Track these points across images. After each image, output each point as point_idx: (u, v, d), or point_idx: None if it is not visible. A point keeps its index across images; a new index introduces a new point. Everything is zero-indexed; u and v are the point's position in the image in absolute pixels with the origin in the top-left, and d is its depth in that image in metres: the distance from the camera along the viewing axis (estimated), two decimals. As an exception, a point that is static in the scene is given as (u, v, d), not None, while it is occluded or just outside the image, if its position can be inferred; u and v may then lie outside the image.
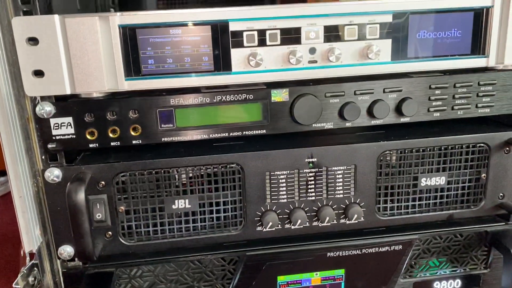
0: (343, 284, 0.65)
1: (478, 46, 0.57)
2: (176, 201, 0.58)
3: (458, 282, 0.68)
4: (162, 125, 0.55)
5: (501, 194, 0.64)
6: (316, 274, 0.64)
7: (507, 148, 0.62)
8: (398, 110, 0.59)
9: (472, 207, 0.65)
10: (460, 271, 0.68)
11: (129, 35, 0.51)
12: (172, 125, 0.55)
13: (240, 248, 0.61)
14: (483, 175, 0.63)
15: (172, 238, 0.59)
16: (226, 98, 0.56)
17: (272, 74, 0.55)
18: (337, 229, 0.62)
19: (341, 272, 0.65)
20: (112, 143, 0.55)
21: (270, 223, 0.59)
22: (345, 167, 0.60)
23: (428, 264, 0.67)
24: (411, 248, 0.65)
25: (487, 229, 0.66)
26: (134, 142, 0.55)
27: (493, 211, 0.65)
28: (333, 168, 0.60)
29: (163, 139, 0.56)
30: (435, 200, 0.64)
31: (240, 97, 0.56)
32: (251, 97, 0.56)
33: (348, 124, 0.59)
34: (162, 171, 0.56)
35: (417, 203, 0.63)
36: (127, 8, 1.02)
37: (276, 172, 0.59)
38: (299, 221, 0.60)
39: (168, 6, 1.04)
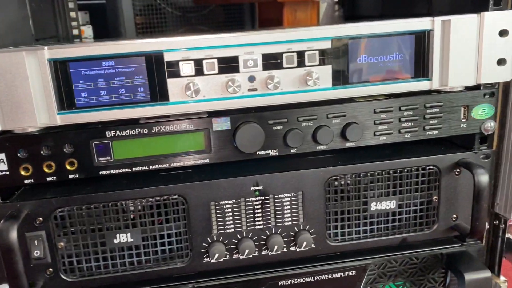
0: None
1: (420, 69, 0.57)
2: (118, 236, 0.56)
3: (416, 305, 0.67)
4: (99, 158, 0.54)
5: (454, 216, 0.64)
6: None
7: (458, 170, 0.62)
8: (343, 135, 0.58)
9: (425, 230, 0.64)
10: (418, 294, 0.67)
11: (60, 68, 0.50)
12: (109, 158, 0.54)
13: (188, 280, 0.60)
14: (435, 197, 0.62)
15: (116, 272, 0.57)
16: (165, 128, 0.54)
17: (211, 104, 0.54)
18: (287, 257, 0.61)
19: None
20: (48, 178, 0.53)
21: (217, 255, 0.58)
22: (292, 194, 0.59)
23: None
24: (365, 273, 0.64)
25: (442, 251, 0.65)
26: (70, 176, 0.54)
27: (448, 233, 0.65)
28: (280, 196, 0.59)
29: (100, 172, 0.54)
30: (387, 224, 0.63)
31: (180, 127, 0.55)
32: (191, 126, 0.55)
33: (293, 151, 0.58)
34: (101, 205, 0.55)
35: (368, 227, 0.62)
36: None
37: (221, 202, 0.57)
38: (247, 250, 0.58)
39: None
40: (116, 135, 0.54)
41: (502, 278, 0.68)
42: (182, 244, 0.58)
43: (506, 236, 0.66)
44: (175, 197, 0.56)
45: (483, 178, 0.58)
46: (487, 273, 0.61)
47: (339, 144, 0.59)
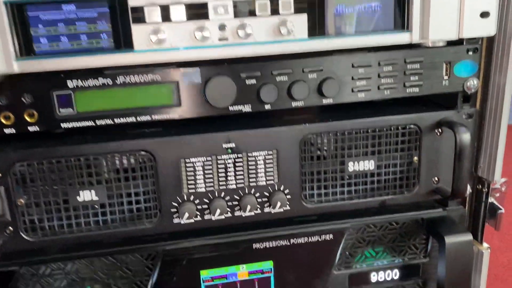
0: (272, 277, 0.61)
1: (400, 20, 0.54)
2: (82, 193, 0.53)
3: (396, 272, 0.65)
4: (61, 110, 0.51)
5: (435, 178, 0.61)
6: (243, 268, 0.60)
7: (439, 130, 0.59)
8: (320, 91, 0.55)
9: (405, 192, 0.61)
10: (398, 261, 0.65)
11: (17, 12, 0.47)
12: (71, 110, 0.51)
13: (157, 242, 0.57)
14: (415, 158, 0.60)
15: (80, 232, 0.55)
16: (131, 79, 0.52)
17: (179, 53, 0.51)
18: (262, 218, 0.59)
19: (269, 264, 0.61)
20: (6, 130, 0.51)
21: (187, 214, 0.55)
22: (266, 152, 0.56)
23: (363, 254, 0.64)
24: (343, 238, 0.61)
25: (423, 216, 0.63)
26: (30, 128, 0.51)
27: (429, 197, 0.62)
28: (253, 154, 0.56)
29: (62, 125, 0.52)
30: (365, 186, 0.60)
31: (147, 79, 0.52)
32: (159, 78, 0.52)
33: (267, 107, 0.55)
34: (64, 160, 0.52)
35: (346, 189, 0.60)
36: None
37: (191, 159, 0.55)
38: (219, 210, 0.56)
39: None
40: (79, 85, 0.51)
41: (485, 244, 0.66)
42: (150, 203, 0.56)
43: (489, 201, 0.64)
44: (142, 153, 0.54)
45: (465, 136, 0.56)
46: (468, 237, 0.59)
47: (316, 101, 0.56)
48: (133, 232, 0.56)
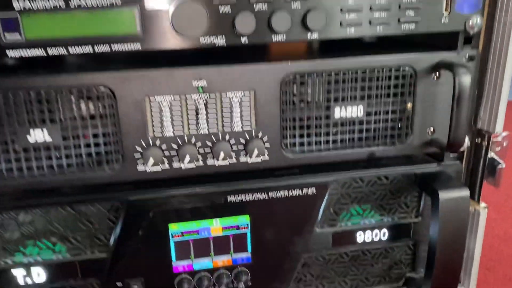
0: (249, 234, 0.56)
1: None
2: (32, 132, 0.47)
3: (385, 232, 0.60)
4: (6, 36, 0.45)
5: (431, 129, 0.56)
6: (216, 222, 0.55)
7: (437, 73, 0.53)
8: (304, 24, 0.49)
9: (397, 143, 0.56)
10: (387, 220, 0.59)
11: None
12: (19, 36, 0.45)
13: (119, 192, 0.52)
14: (409, 105, 0.54)
15: (32, 177, 0.49)
16: (87, 2, 0.45)
17: (141, -28, 0.44)
18: (237, 168, 0.53)
19: (245, 220, 0.55)
20: None
21: (152, 160, 0.49)
22: (242, 93, 0.50)
23: (349, 212, 0.58)
24: (326, 193, 0.56)
25: (416, 170, 0.57)
26: (-30, 56, 0.44)
27: (423, 149, 0.57)
28: (227, 94, 0.50)
29: (8, 52, 0.45)
30: (353, 134, 0.54)
31: (105, 1, 0.45)
32: (119, 1, 0.46)
33: (244, 40, 0.49)
34: (11, 94, 0.46)
35: (331, 138, 0.54)
36: None
37: (157, 98, 0.49)
38: (189, 158, 0.50)
39: None
40: (27, 7, 0.44)
41: (482, 204, 0.60)
42: (111, 147, 0.50)
43: (489, 156, 0.58)
44: (101, 89, 0.48)
45: (465, 79, 0.50)
46: (465, 192, 0.53)
47: (300, 35, 0.50)
48: (92, 180, 0.50)
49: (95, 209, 0.52)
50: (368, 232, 0.59)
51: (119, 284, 0.55)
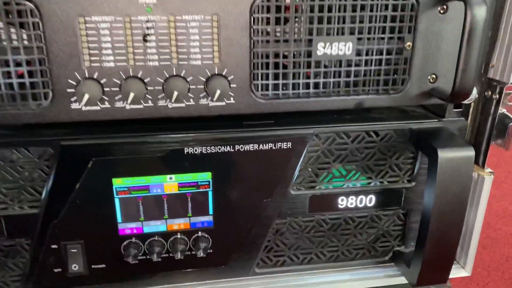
0: (210, 193, 0.47)
1: None
2: None
3: (372, 198, 0.51)
4: None
5: (432, 75, 0.46)
6: (171, 179, 0.46)
7: (444, 6, 0.43)
8: None
9: (391, 91, 0.46)
10: (374, 184, 0.51)
11: None
12: None
13: (50, 135, 0.43)
14: (408, 44, 0.44)
15: None
16: None
17: None
18: (196, 113, 0.44)
19: (206, 176, 0.46)
20: None
21: (87, 97, 0.40)
22: (203, 17, 0.40)
23: (331, 172, 0.49)
24: (304, 149, 0.47)
25: (412, 126, 0.48)
26: None
27: (421, 100, 0.47)
28: (184, 17, 0.40)
29: None
30: (339, 78, 0.45)
31: None
32: None
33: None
34: None
35: (312, 81, 0.45)
36: None
37: (94, 18, 0.39)
38: (134, 95, 0.41)
39: None
40: None
41: (487, 169, 0.51)
42: (37, 78, 0.40)
43: (500, 111, 0.49)
44: (23, 3, 0.38)
45: (480, 10, 0.40)
46: (468, 152, 0.45)
47: None
48: (16, 118, 0.41)
49: (24, 156, 0.43)
50: (352, 198, 0.51)
51: (54, 246, 0.46)
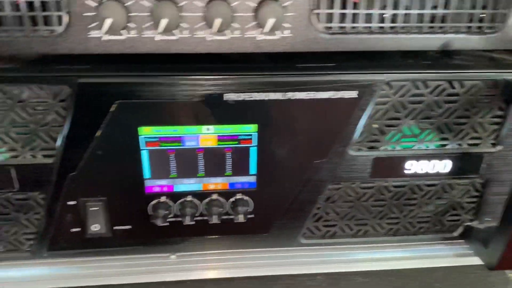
0: (254, 150, 0.39)
1: None
2: None
3: (447, 164, 0.42)
4: None
5: (543, 11, 0.36)
6: (208, 130, 0.38)
7: None
8: None
9: (487, 30, 0.36)
10: (452, 146, 0.42)
11: None
12: None
13: (65, 71, 0.35)
14: (518, -34, 0.34)
15: None
16: None
17: None
18: (241, 48, 0.35)
19: (251, 129, 0.39)
20: None
21: (110, 21, 0.32)
22: None
23: (400, 130, 0.41)
24: (371, 99, 0.38)
25: (507, 76, 0.39)
26: None
27: (524, 44, 0.37)
28: None
29: None
30: (422, 10, 0.35)
31: None
32: None
33: None
34: None
35: (388, 12, 0.35)
36: None
37: None
38: (165, 21, 0.32)
39: None
40: None
41: None
42: (49, -3, 0.32)
43: None
44: None
45: None
46: None
47: None
48: (26, 47, 0.34)
49: (35, 95, 0.36)
50: (423, 162, 0.42)
51: (71, 203, 0.40)
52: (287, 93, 0.37)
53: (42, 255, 0.43)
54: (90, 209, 0.40)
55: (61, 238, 0.42)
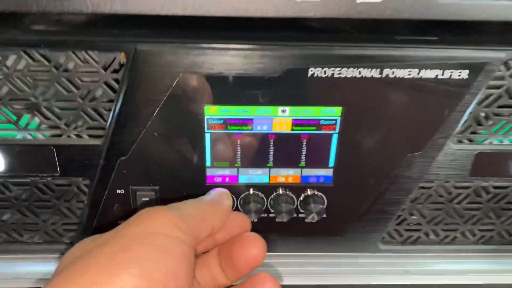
0: (335, 137, 0.33)
1: None
2: None
3: None
4: None
5: None
6: (284, 112, 0.32)
7: None
8: None
9: None
10: None
11: None
12: None
13: (121, 36, 0.29)
14: None
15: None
16: None
17: None
18: (335, 12, 0.29)
19: (334, 112, 0.32)
20: None
21: (181, -27, 0.26)
22: None
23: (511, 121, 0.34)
24: (485, 81, 0.31)
25: None
26: None
27: None
28: None
29: None
30: None
31: None
32: None
33: None
34: None
35: (525, -30, 0.28)
36: None
37: None
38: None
39: None
40: None
41: None
42: None
43: None
44: None
45: None
46: None
47: None
48: (80, 4, 0.28)
49: (84, 63, 0.30)
50: (535, 160, 0.35)
51: (119, 191, 0.34)
52: (385, 69, 0.30)
53: (83, 249, 0.37)
54: (142, 199, 0.35)
55: (106, 230, 0.36)
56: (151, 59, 0.29)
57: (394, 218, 0.37)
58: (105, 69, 0.30)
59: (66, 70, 0.30)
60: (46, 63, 0.30)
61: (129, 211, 0.35)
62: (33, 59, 0.30)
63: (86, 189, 0.35)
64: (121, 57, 0.30)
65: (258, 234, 0.30)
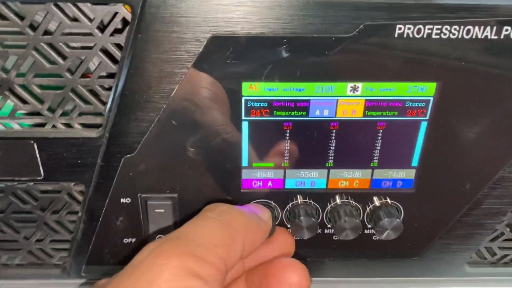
0: (424, 126, 0.24)
1: None
2: None
3: None
4: None
5: None
6: (355, 89, 0.22)
7: None
8: None
9: None
10: None
11: None
12: None
13: None
14: None
15: None
16: None
17: None
18: None
19: (426, 90, 0.23)
20: None
21: None
22: None
23: None
24: None
25: None
26: None
27: None
28: None
29: None
30: None
31: None
32: None
33: None
34: None
35: None
36: None
37: None
38: None
39: None
40: None
41: None
42: None
43: None
44: None
45: None
46: None
47: None
48: None
49: (71, 20, 0.21)
50: None
51: (125, 200, 0.25)
52: (505, 28, 0.21)
53: (78, 273, 0.28)
54: (155, 210, 0.25)
55: (107, 251, 0.27)
56: (167, 14, 0.20)
57: (490, 233, 0.28)
58: (102, 29, 0.21)
59: (47, 32, 0.21)
60: (18, 21, 0.21)
61: (138, 226, 0.26)
62: (0, 17, 0.21)
63: (80, 197, 0.26)
64: (125, 12, 0.21)
65: (297, 260, 0.22)
